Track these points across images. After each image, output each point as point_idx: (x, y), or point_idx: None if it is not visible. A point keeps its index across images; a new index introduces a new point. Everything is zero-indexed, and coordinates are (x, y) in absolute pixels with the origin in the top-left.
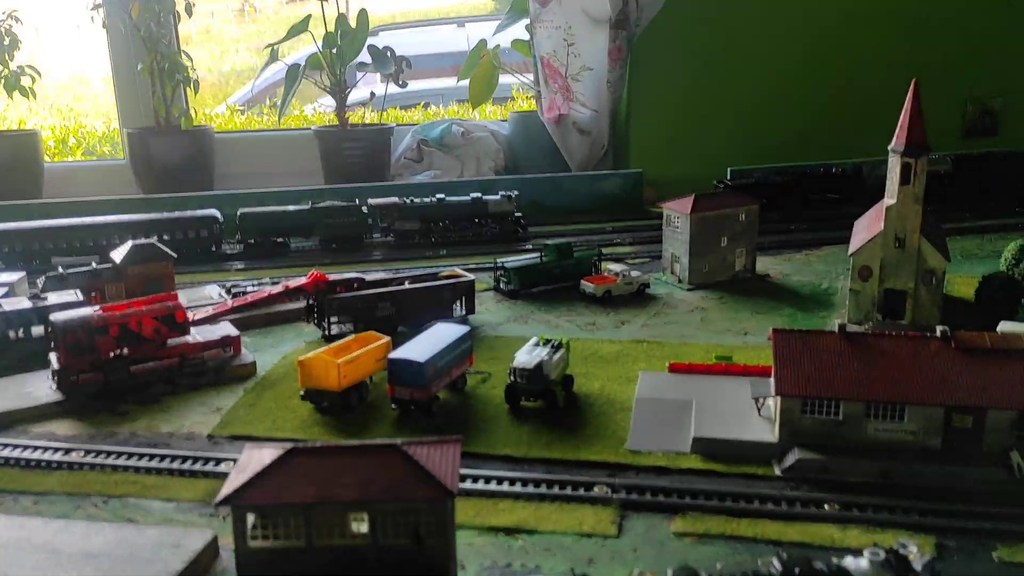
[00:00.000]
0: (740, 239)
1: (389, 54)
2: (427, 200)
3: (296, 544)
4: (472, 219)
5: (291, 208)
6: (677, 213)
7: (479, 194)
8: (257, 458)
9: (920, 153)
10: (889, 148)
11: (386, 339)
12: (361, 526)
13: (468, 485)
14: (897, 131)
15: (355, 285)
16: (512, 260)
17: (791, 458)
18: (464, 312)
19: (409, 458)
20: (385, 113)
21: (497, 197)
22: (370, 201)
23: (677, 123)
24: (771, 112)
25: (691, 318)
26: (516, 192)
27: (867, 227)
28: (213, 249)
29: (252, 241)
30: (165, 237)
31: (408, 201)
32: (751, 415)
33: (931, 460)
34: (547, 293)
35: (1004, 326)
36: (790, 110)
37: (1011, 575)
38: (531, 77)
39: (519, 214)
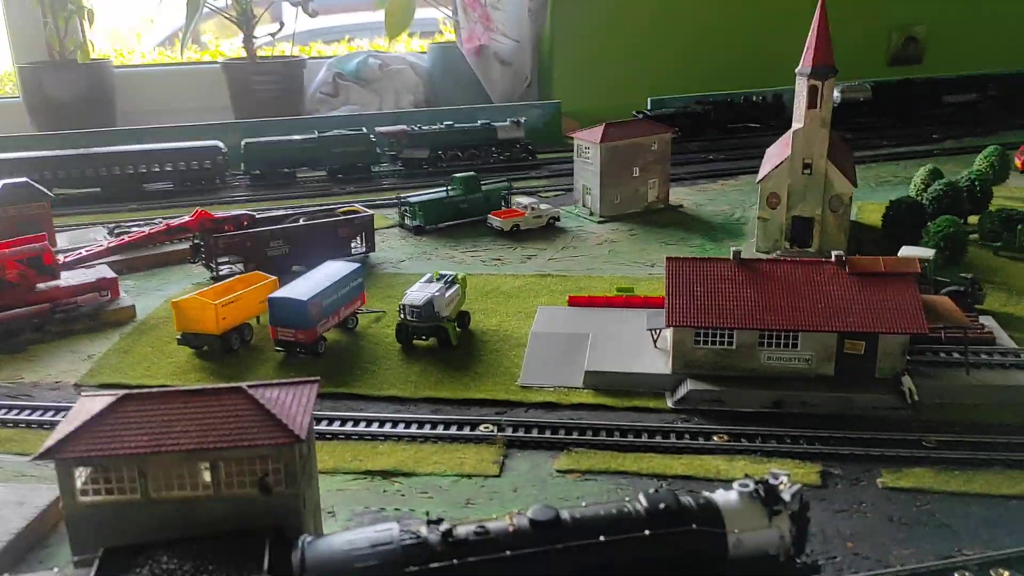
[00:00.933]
0: (653, 169)
1: None
2: (436, 127)
3: (131, 498)
4: (481, 146)
5: (297, 138)
6: (587, 143)
7: (487, 120)
8: (88, 408)
9: (826, 75)
10: (796, 71)
11: (272, 279)
12: (203, 476)
13: (348, 428)
14: (804, 53)
15: (244, 223)
16: (417, 195)
17: (683, 389)
18: (364, 249)
19: (255, 402)
20: (307, 48)
21: (506, 123)
22: (378, 129)
23: (601, 53)
24: (694, 40)
25: (599, 251)
26: (524, 118)
27: (777, 154)
28: (217, 181)
29: (257, 172)
30: (167, 168)
31: (417, 128)
32: (647, 347)
33: (824, 387)
34: (454, 228)
35: (905, 251)
36: (714, 38)
37: (893, 500)
38: (450, 7)
39: (527, 141)
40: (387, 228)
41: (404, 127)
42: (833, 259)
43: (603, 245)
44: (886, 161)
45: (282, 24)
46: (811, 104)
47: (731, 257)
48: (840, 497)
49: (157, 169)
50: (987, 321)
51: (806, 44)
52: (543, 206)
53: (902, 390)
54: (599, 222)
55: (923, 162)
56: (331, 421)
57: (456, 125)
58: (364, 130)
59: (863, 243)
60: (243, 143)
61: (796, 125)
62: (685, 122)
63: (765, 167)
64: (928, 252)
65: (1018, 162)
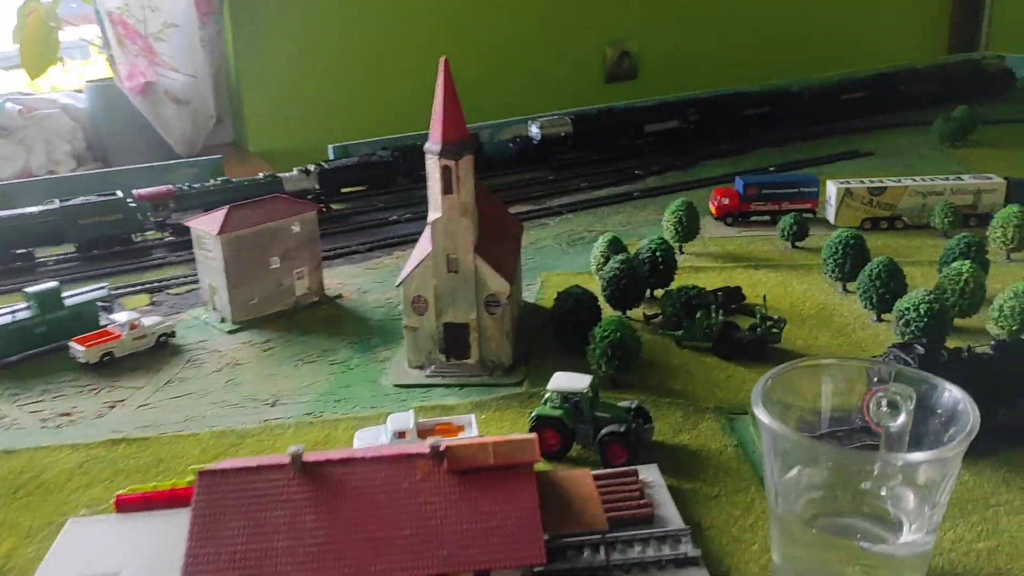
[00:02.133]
0: (299, 255)
1: None
2: (209, 185)
3: None
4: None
5: (34, 210)
6: (205, 233)
7: (271, 172)
8: None
9: (461, 152)
10: (424, 148)
11: None
12: None
13: None
14: (431, 125)
15: None
16: None
17: None
18: None
19: None
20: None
21: (294, 173)
22: (136, 192)
23: (294, 87)
24: (391, 73)
25: (215, 382)
26: (313, 166)
27: (423, 247)
28: None
29: None
30: None
31: (187, 187)
32: None
33: None
34: (31, 361)
35: (557, 380)
36: (416, 69)
37: None
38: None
39: (319, 191)
40: None
41: (171, 187)
42: (428, 450)
43: (223, 371)
44: (585, 209)
45: None
46: (447, 189)
47: (289, 461)
48: None
49: None
50: (648, 473)
51: (432, 114)
52: (148, 320)
53: None
54: (231, 331)
55: (620, 208)
56: None
57: (234, 181)
58: (120, 194)
59: (537, 344)
60: None
61: (433, 214)
62: (370, 172)
63: (410, 264)
64: (583, 381)
65: (712, 207)
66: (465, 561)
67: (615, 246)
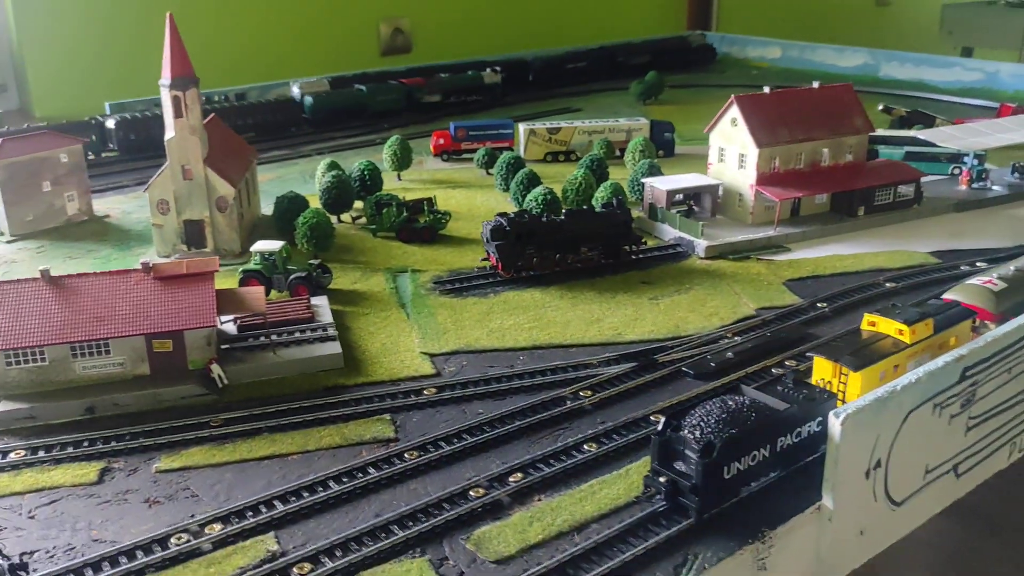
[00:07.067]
0: (68, 181)
1: None
2: (444, 76)
3: None
4: (474, 89)
5: (362, 88)
6: None
7: (472, 70)
8: None
9: (186, 85)
10: (159, 83)
11: None
12: None
13: None
14: (162, 66)
15: None
16: None
17: None
18: None
19: None
20: None
21: (487, 71)
22: (403, 80)
23: (75, 52)
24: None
25: None
26: (498, 67)
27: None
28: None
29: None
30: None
31: (434, 77)
32: None
33: (135, 386)
34: None
35: (258, 245)
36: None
37: (159, 482)
38: None
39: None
40: None
41: (420, 78)
42: (140, 266)
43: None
44: (336, 152)
45: None
46: (177, 114)
47: (39, 276)
48: (110, 489)
49: None
50: (319, 301)
51: (164, 56)
52: None
53: (212, 378)
54: (8, 242)
55: (362, 152)
56: None
57: (457, 74)
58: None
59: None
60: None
61: (169, 134)
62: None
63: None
64: (276, 244)
65: (432, 147)
66: (163, 324)
67: (333, 166)
